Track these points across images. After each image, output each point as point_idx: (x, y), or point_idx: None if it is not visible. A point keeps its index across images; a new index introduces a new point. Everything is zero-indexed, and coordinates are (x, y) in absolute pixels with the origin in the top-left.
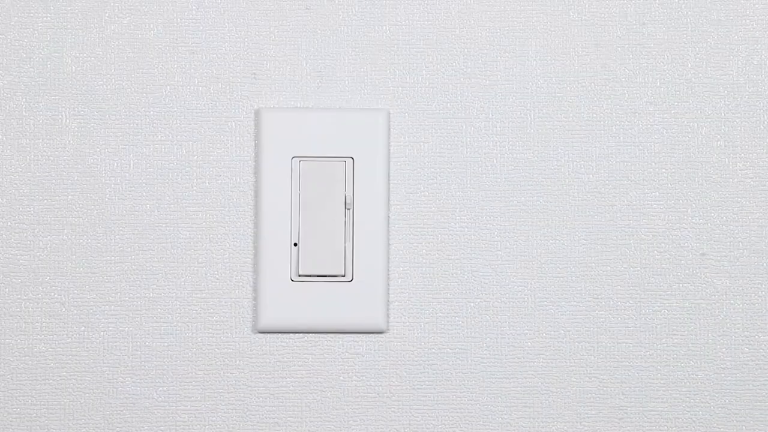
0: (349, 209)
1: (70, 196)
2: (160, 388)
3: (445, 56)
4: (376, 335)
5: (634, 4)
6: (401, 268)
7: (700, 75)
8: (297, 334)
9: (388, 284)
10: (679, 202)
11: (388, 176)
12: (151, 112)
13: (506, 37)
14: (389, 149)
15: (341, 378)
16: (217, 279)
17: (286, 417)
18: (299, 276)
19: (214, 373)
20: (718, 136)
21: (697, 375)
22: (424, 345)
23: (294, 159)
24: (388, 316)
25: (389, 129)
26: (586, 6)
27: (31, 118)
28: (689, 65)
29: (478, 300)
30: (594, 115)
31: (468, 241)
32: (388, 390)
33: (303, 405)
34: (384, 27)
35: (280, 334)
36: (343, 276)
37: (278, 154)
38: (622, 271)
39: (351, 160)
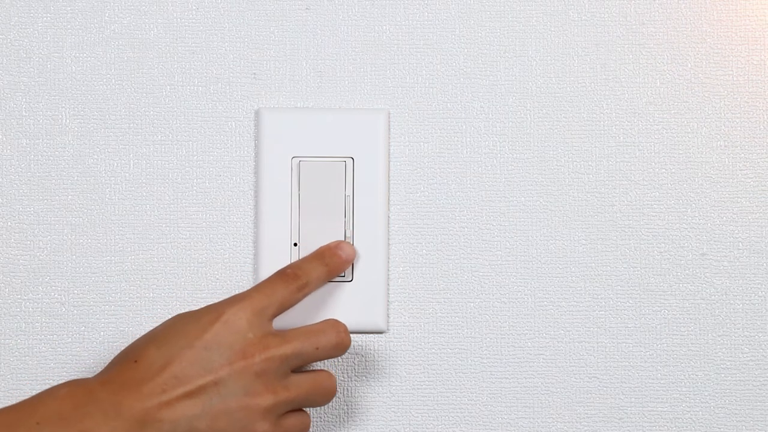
0: (348, 210)
1: (70, 196)
2: None
3: (445, 56)
4: (376, 335)
5: (634, 4)
6: (401, 268)
7: (700, 75)
8: None
9: (388, 284)
10: (679, 202)
11: (388, 176)
12: (151, 112)
13: (506, 37)
14: (389, 149)
15: (341, 378)
16: (217, 279)
17: None
18: None
19: None
20: (718, 136)
21: (697, 375)
22: (424, 345)
23: (294, 159)
24: (388, 316)
25: (389, 129)
26: (586, 6)
27: (31, 118)
28: (689, 65)
29: (478, 300)
30: (594, 115)
31: (468, 241)
32: (388, 390)
33: None
34: (384, 27)
35: None
36: (344, 276)
37: (278, 154)
38: (622, 271)
39: (351, 160)
